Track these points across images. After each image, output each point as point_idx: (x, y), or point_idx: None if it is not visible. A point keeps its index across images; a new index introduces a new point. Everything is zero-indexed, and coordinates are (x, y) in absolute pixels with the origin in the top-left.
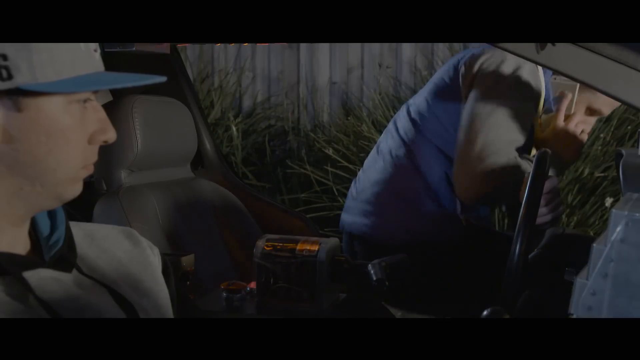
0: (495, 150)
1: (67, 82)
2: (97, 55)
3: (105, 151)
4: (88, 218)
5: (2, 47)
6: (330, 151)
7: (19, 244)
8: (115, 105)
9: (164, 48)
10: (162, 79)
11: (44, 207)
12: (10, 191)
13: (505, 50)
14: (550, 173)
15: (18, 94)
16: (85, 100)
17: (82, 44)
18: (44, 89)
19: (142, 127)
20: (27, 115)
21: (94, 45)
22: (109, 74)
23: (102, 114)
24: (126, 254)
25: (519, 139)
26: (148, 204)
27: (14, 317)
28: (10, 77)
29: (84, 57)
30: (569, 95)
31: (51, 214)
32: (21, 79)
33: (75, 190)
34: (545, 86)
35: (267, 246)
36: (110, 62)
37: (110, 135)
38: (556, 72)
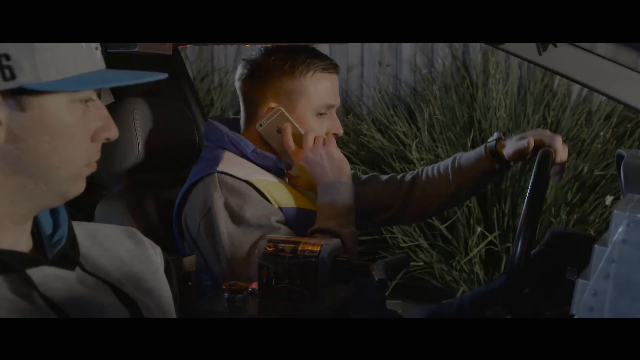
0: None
1: (69, 81)
2: (98, 53)
3: (107, 152)
4: (90, 219)
5: (5, 47)
6: None
7: (22, 243)
8: (116, 107)
9: (167, 49)
10: (164, 75)
11: (48, 205)
12: (14, 190)
13: (505, 51)
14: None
15: (21, 94)
16: (87, 99)
17: (83, 43)
18: (47, 87)
19: (143, 128)
20: (30, 115)
21: (95, 44)
22: (110, 71)
23: (104, 111)
24: (128, 253)
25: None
26: (149, 205)
27: (18, 314)
28: (13, 76)
29: (86, 55)
30: (286, 126)
31: (53, 213)
32: (24, 79)
33: (78, 187)
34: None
35: (269, 247)
36: (112, 63)
37: (113, 132)
38: (556, 73)
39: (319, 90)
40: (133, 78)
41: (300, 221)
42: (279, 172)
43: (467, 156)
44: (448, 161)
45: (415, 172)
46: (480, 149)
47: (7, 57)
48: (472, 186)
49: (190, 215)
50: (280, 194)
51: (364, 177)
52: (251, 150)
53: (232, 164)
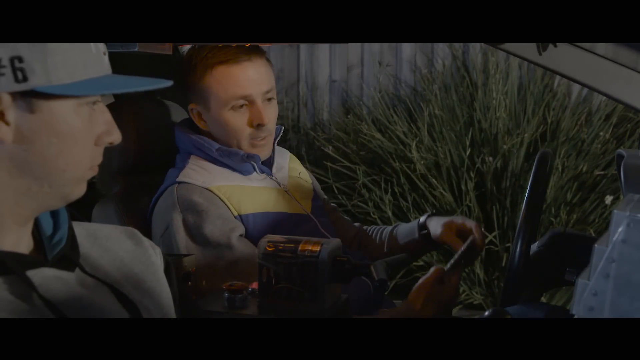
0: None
1: (79, 85)
2: (106, 58)
3: (105, 154)
4: (88, 218)
5: (18, 50)
6: (330, 149)
7: (23, 244)
8: (115, 108)
9: (167, 49)
10: (169, 83)
11: (50, 206)
12: (19, 191)
13: (506, 51)
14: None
15: (32, 96)
16: (94, 103)
17: (92, 47)
18: (58, 91)
19: (141, 130)
20: (39, 117)
21: (103, 48)
22: (118, 77)
23: (109, 115)
24: (128, 253)
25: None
26: (146, 207)
27: (17, 315)
28: (25, 79)
29: (95, 60)
30: None
31: (54, 214)
32: (36, 81)
33: (80, 190)
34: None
35: (269, 247)
36: (111, 63)
37: (116, 136)
38: (556, 73)
39: (223, 85)
40: (140, 84)
41: (265, 225)
42: (247, 170)
43: (402, 232)
44: (389, 229)
45: (371, 228)
46: (413, 230)
47: (20, 60)
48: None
49: (153, 230)
50: (242, 199)
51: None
52: (216, 149)
53: (192, 172)
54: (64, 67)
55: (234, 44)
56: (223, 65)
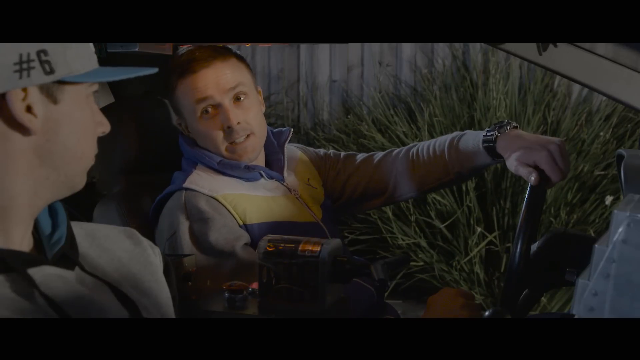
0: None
1: (93, 74)
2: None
3: (106, 153)
4: (89, 219)
5: (41, 44)
6: (330, 150)
7: (25, 241)
8: (116, 107)
9: (167, 49)
10: (155, 70)
11: (61, 196)
12: (39, 181)
13: (506, 51)
14: None
15: (54, 88)
16: (93, 93)
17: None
18: (82, 79)
19: (143, 128)
20: (62, 108)
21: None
22: (109, 67)
23: (96, 106)
24: (127, 253)
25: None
26: (148, 206)
27: (19, 313)
28: (52, 71)
29: (92, 54)
30: None
31: (52, 213)
32: (61, 72)
33: (84, 180)
34: None
35: (269, 247)
36: (113, 63)
37: (107, 126)
38: (556, 73)
39: (186, 96)
40: (131, 72)
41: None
42: (253, 177)
43: (464, 146)
44: (444, 145)
45: (408, 150)
46: (477, 143)
47: (45, 53)
48: (472, 174)
49: (158, 233)
50: (248, 208)
51: (359, 158)
52: (217, 162)
53: (199, 179)
54: (79, 59)
55: (201, 45)
56: (182, 78)
